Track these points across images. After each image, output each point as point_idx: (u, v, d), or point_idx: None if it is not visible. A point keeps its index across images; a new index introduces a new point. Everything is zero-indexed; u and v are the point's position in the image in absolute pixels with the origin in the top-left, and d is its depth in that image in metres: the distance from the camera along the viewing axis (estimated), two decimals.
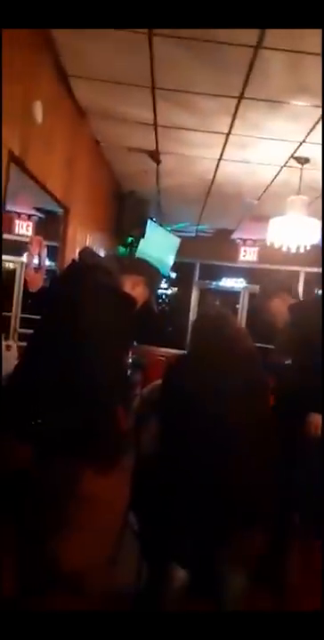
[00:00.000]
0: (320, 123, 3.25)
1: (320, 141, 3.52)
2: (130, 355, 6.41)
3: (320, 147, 3.61)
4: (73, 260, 2.42)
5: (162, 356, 7.02)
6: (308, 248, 4.10)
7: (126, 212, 5.23)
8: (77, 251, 3.93)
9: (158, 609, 1.94)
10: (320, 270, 7.02)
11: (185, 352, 2.40)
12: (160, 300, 8.31)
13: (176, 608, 1.93)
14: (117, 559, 2.79)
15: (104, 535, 2.97)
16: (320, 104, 3.03)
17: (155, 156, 4.25)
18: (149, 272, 2.37)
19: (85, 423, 1.84)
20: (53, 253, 4.09)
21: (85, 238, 4.26)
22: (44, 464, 1.86)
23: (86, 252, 2.26)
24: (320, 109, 3.09)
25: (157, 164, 4.42)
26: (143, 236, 5.60)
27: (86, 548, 2.74)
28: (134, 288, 2.22)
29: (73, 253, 3.85)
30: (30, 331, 2.12)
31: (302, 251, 4.13)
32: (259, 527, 1.84)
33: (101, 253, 4.80)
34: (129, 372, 5.31)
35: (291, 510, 2.37)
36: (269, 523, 1.86)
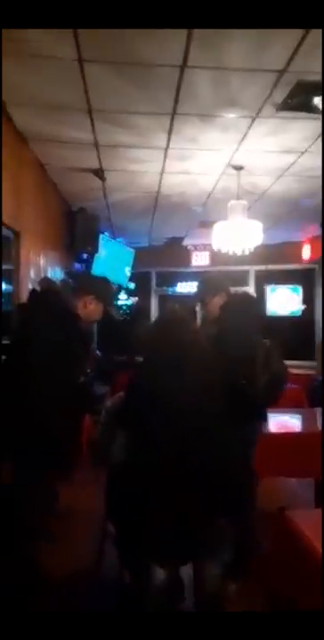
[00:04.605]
0: (250, 132, 3.48)
1: (252, 148, 3.76)
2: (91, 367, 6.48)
3: (253, 153, 3.86)
4: (32, 290, 2.56)
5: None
6: (252, 250, 4.32)
7: (78, 229, 5.32)
8: (31, 273, 4.03)
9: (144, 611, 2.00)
10: (268, 267, 7.38)
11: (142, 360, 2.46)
12: (121, 311, 8.45)
13: (162, 608, 2.00)
14: (101, 568, 2.86)
15: (87, 547, 3.04)
16: (246, 115, 3.25)
17: (99, 173, 4.37)
18: (98, 287, 2.50)
19: (44, 437, 1.95)
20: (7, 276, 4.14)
21: (38, 259, 4.33)
22: (16, 478, 1.96)
23: (42, 281, 2.43)
24: (249, 119, 3.31)
25: (103, 181, 4.55)
26: (97, 252, 5.71)
27: (70, 560, 2.80)
28: (87, 307, 2.36)
29: (27, 275, 3.93)
30: None
31: (247, 253, 4.35)
32: (235, 517, 1.92)
33: (58, 274, 4.89)
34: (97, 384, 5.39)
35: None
36: (244, 511, 1.94)
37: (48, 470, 2.05)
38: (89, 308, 2.37)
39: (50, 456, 2.01)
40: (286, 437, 3.32)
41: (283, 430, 3.57)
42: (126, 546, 2.26)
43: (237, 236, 4.14)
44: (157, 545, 1.90)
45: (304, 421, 3.72)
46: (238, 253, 4.29)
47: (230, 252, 4.31)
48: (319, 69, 2.66)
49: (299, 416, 3.83)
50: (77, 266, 5.97)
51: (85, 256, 5.80)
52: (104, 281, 2.65)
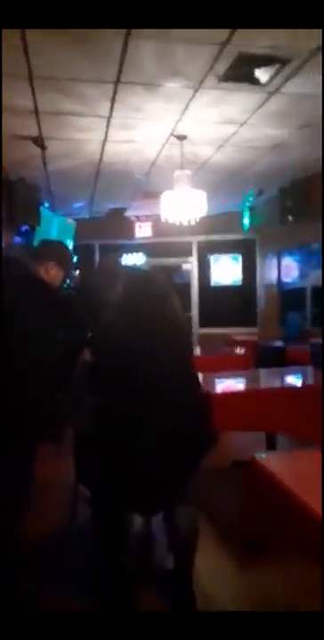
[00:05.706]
0: (193, 102, 3.52)
1: (195, 118, 3.81)
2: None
3: (195, 123, 3.91)
4: None
5: None
6: (198, 220, 4.43)
7: (17, 201, 5.13)
8: None
9: (119, 582, 2.06)
10: (210, 238, 7.56)
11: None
12: (65, 286, 8.28)
13: (135, 581, 2.08)
14: (72, 532, 2.91)
15: (57, 513, 3.06)
16: (189, 85, 3.28)
17: (39, 142, 4.23)
18: (59, 252, 2.42)
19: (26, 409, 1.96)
20: None
21: None
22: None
23: None
24: (192, 90, 3.35)
25: (43, 150, 4.41)
26: (39, 224, 5.55)
27: (42, 526, 2.82)
28: (49, 272, 2.28)
29: None
30: None
31: (193, 223, 4.45)
32: (200, 462, 2.02)
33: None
34: None
35: None
36: (206, 454, 2.04)
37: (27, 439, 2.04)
38: (51, 274, 2.27)
39: (28, 426, 2.00)
40: (236, 396, 3.51)
41: (233, 390, 3.76)
42: (103, 501, 2.29)
43: (183, 206, 4.22)
44: (135, 494, 1.94)
45: (250, 381, 3.94)
46: (185, 223, 4.38)
47: (177, 223, 4.38)
48: (261, 43, 2.75)
49: (244, 378, 4.05)
50: (17, 239, 5.77)
51: (24, 229, 5.61)
52: (63, 246, 2.56)
